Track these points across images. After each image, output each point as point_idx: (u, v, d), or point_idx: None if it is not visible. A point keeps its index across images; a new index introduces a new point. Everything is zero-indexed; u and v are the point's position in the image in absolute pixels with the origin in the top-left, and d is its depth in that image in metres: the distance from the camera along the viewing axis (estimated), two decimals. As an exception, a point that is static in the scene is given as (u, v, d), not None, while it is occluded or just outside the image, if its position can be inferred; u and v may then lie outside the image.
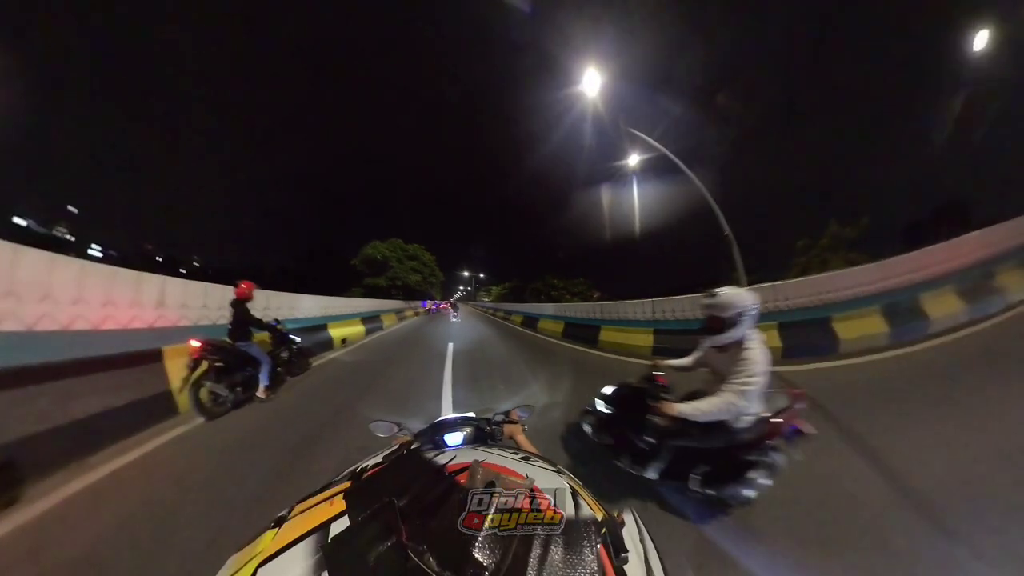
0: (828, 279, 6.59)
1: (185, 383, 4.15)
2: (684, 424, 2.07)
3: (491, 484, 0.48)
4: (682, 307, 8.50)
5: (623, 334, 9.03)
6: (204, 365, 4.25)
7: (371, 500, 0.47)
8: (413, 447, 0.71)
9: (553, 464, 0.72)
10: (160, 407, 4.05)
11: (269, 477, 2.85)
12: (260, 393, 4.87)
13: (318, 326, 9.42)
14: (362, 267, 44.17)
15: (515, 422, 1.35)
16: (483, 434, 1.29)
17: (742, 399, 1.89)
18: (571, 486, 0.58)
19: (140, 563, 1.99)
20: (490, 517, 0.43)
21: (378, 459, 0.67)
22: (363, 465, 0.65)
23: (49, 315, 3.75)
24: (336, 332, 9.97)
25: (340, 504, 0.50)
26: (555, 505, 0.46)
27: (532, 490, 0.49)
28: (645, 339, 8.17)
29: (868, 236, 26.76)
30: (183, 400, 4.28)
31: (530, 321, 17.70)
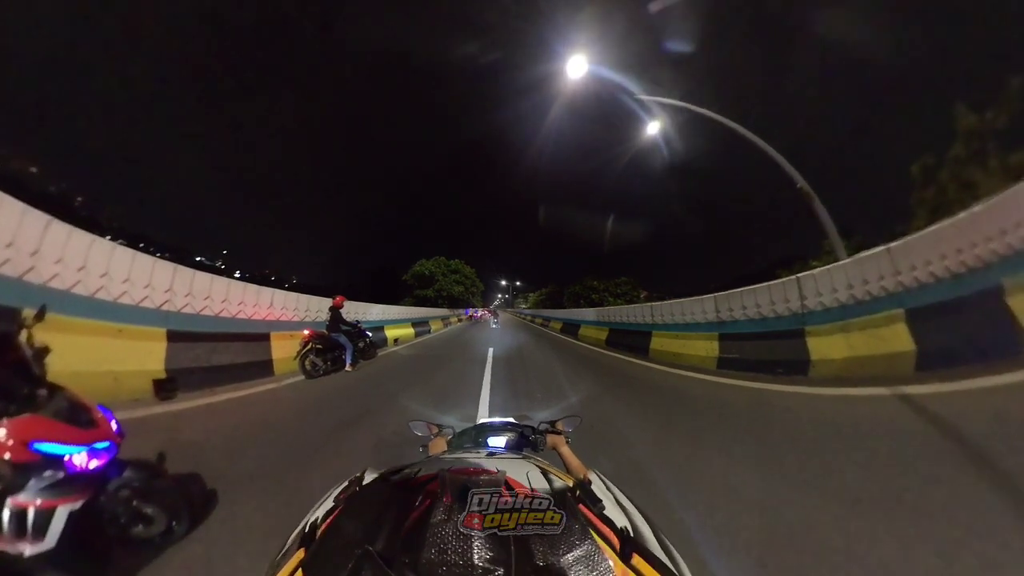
0: (979, 217, 3.75)
1: (296, 356, 6.23)
2: None
3: (464, 488, 0.44)
4: (755, 301, 6.16)
5: (679, 341, 7.31)
6: (309, 345, 6.34)
7: (341, 561, 0.38)
8: (365, 480, 0.57)
9: (520, 454, 0.78)
10: (264, 369, 5.97)
11: (343, 407, 4.42)
12: (348, 367, 6.95)
13: (379, 327, 11.39)
14: (412, 282, 48.51)
15: (559, 433, 1.27)
16: (527, 441, 1.23)
17: None
18: (538, 466, 0.63)
19: (236, 447, 3.11)
20: (490, 517, 0.41)
21: (329, 504, 0.54)
22: (313, 518, 0.51)
23: (209, 307, 5.91)
24: (391, 332, 11.91)
25: None
26: (554, 506, 0.42)
27: (532, 490, 0.46)
28: (707, 347, 6.43)
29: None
30: (279, 367, 6.22)
31: (570, 328, 16.59)
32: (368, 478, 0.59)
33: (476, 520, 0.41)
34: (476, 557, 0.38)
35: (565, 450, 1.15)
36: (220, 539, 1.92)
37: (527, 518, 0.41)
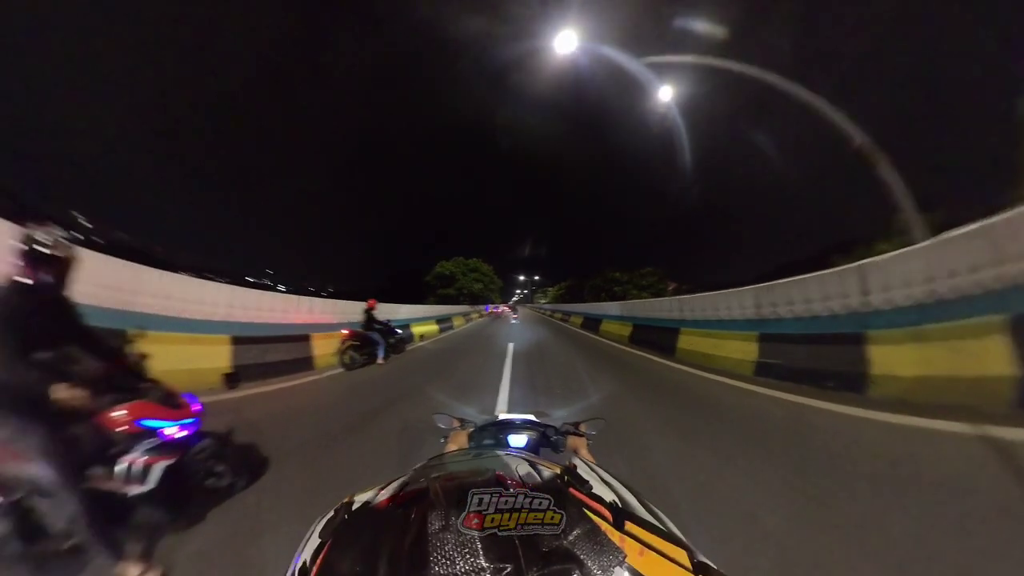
0: None
1: (336, 351, 7.13)
2: None
3: (458, 493, 0.43)
4: (805, 295, 5.06)
5: (711, 340, 6.40)
6: (348, 342, 7.13)
7: None
8: (354, 507, 0.53)
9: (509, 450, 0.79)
10: (306, 364, 6.82)
11: (373, 396, 5.00)
12: (380, 361, 7.58)
13: (406, 325, 12.14)
14: (434, 282, 49.99)
15: (582, 435, 1.19)
16: (548, 441, 1.18)
17: None
18: (526, 459, 0.63)
19: (285, 425, 3.66)
20: (489, 517, 0.40)
21: (315, 541, 0.48)
22: (301, 562, 0.46)
23: (261, 317, 6.86)
24: (417, 329, 12.61)
25: None
26: (554, 506, 0.42)
27: (532, 489, 0.45)
28: (744, 349, 5.43)
29: None
30: (319, 362, 7.08)
31: (591, 323, 16.03)
32: (356, 503, 0.54)
33: (476, 520, 0.40)
34: (484, 558, 0.37)
35: (584, 452, 1.08)
36: (270, 494, 2.44)
37: (527, 518, 0.40)
